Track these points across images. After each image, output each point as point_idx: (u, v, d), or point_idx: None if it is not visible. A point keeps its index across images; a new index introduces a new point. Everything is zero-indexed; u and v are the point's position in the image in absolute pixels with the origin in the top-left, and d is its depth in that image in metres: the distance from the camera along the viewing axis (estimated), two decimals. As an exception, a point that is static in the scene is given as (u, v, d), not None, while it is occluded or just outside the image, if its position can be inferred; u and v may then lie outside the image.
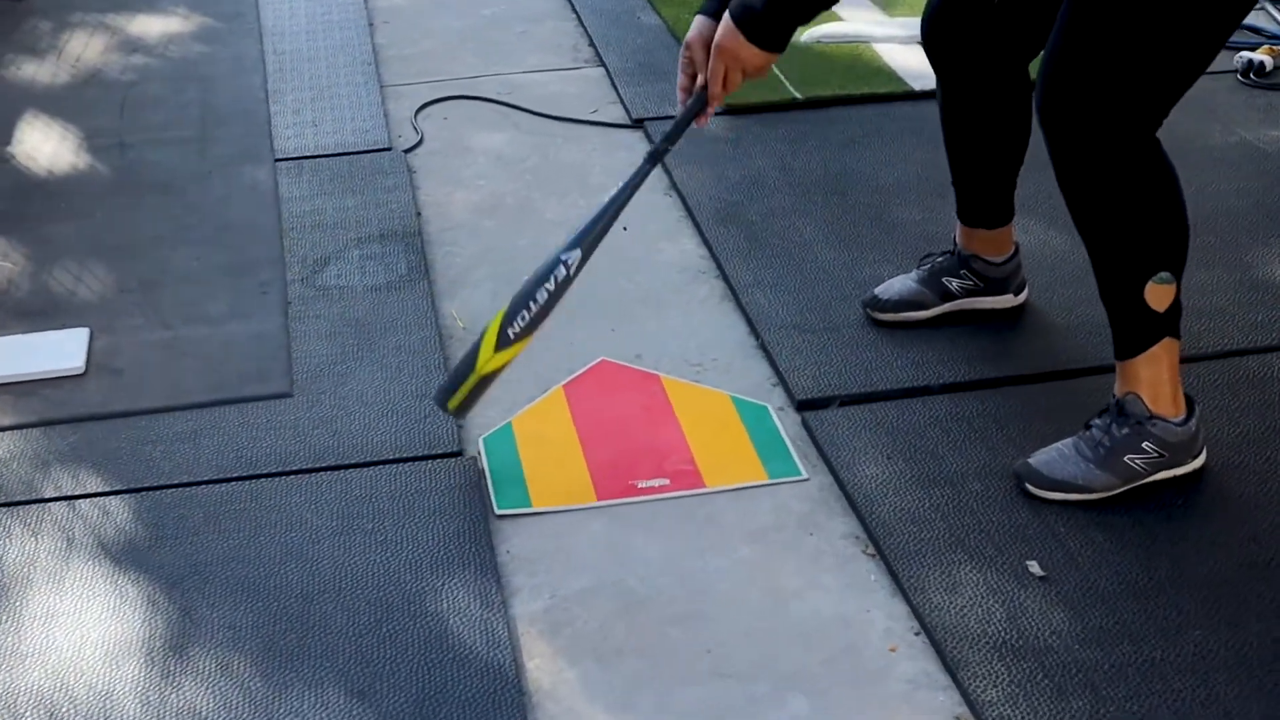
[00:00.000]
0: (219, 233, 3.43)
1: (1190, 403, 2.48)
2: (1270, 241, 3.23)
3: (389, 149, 3.81)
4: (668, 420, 2.73)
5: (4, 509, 2.54)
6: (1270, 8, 4.43)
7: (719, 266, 3.22)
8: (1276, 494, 2.47)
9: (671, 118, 3.82)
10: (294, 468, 2.62)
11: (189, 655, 2.22)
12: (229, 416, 2.76)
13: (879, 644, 2.23)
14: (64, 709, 2.13)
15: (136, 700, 2.14)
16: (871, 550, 2.41)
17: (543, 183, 3.65)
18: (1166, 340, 2.44)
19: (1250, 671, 2.12)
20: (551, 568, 2.40)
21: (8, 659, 2.23)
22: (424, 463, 2.61)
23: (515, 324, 2.51)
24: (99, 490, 2.58)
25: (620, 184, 2.54)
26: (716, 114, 3.88)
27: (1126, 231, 2.38)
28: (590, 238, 2.52)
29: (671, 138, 2.54)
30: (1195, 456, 2.49)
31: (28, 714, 2.13)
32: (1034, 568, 2.32)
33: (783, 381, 2.82)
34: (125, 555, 2.43)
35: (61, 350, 2.95)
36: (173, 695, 2.15)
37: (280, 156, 3.78)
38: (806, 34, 4.31)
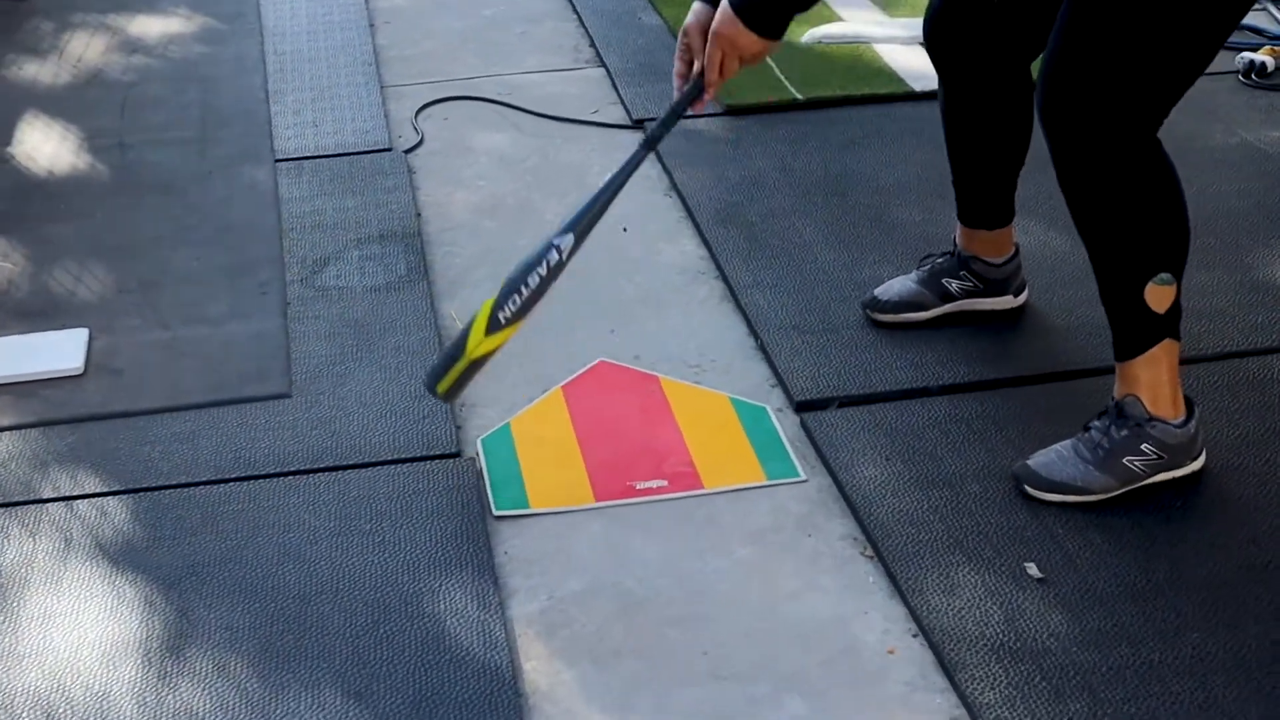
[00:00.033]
0: (219, 233, 3.43)
1: (1190, 405, 2.48)
2: (1271, 243, 3.23)
3: (389, 149, 3.81)
4: (666, 421, 2.73)
5: (2, 510, 2.54)
6: (1271, 8, 4.43)
7: (718, 267, 3.21)
8: (1276, 496, 2.47)
9: (672, 118, 3.89)
10: (292, 468, 2.61)
11: (186, 656, 2.22)
12: (227, 417, 2.76)
13: (877, 645, 2.23)
14: (61, 710, 2.13)
15: (133, 701, 2.14)
16: (869, 552, 2.40)
17: (543, 183, 3.65)
18: (1166, 342, 2.44)
19: (1248, 674, 2.12)
20: (549, 569, 2.40)
21: (5, 660, 2.23)
22: (422, 464, 2.61)
23: (506, 308, 2.48)
24: (97, 491, 2.58)
25: (615, 170, 2.52)
26: (717, 115, 3.91)
27: (1127, 232, 2.38)
28: (584, 223, 2.50)
29: (667, 124, 2.53)
30: (1194, 458, 2.49)
31: (25, 715, 2.13)
32: (1032, 570, 2.32)
33: (781, 383, 2.82)
34: (123, 556, 2.43)
35: (60, 351, 2.95)
36: (169, 696, 2.15)
37: (280, 157, 3.78)
38: (807, 35, 4.30)
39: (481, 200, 3.58)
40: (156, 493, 2.57)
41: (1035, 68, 2.50)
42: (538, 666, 2.21)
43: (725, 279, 3.16)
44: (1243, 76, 3.98)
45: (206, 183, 3.68)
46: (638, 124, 3.89)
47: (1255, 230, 3.28)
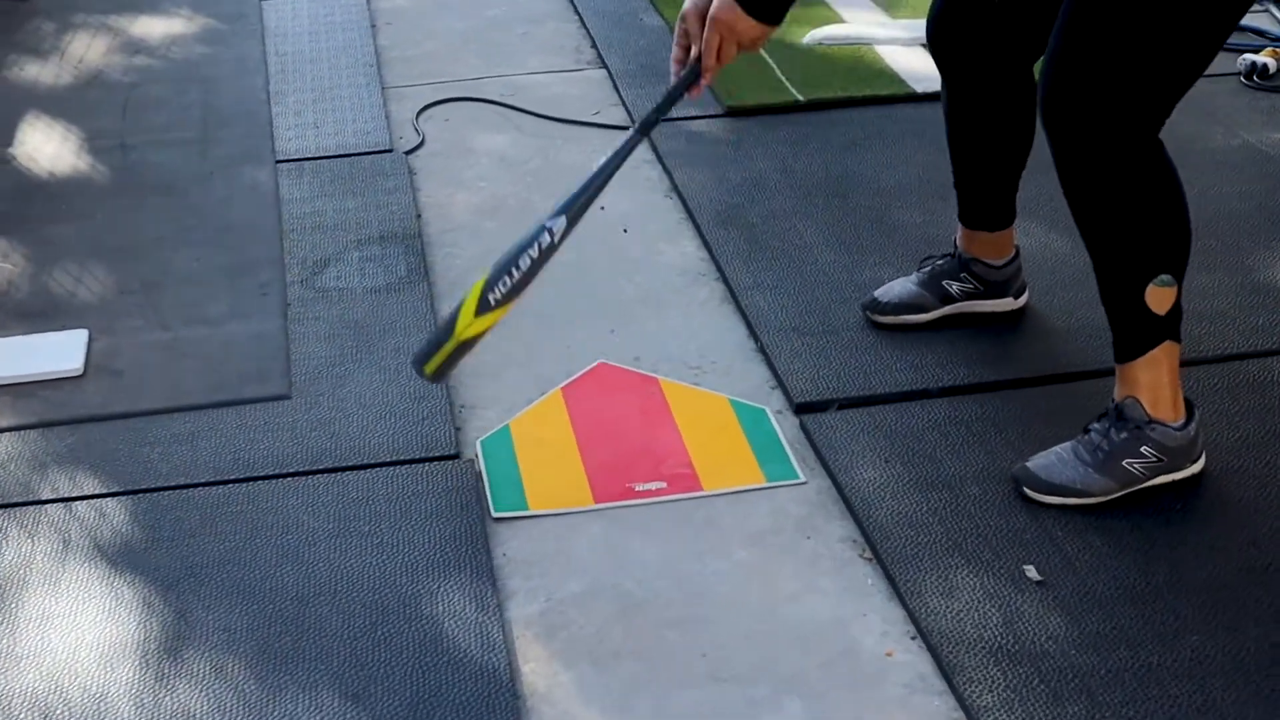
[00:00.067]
0: (219, 234, 3.43)
1: (1190, 407, 2.47)
2: (1272, 245, 3.22)
3: (390, 150, 3.81)
4: (666, 423, 2.73)
5: (1, 511, 2.54)
6: (1274, 9, 4.42)
7: (719, 268, 3.21)
8: (1276, 498, 2.47)
9: (673, 120, 3.88)
10: (291, 470, 2.61)
11: (183, 658, 2.22)
12: (227, 418, 2.76)
13: (875, 648, 2.22)
14: (58, 711, 2.13)
15: (130, 703, 2.14)
16: (868, 554, 2.40)
17: (544, 184, 3.65)
18: (1167, 344, 2.43)
19: (1247, 677, 2.11)
20: (548, 571, 2.40)
21: (2, 661, 2.23)
22: (421, 465, 2.61)
23: (496, 289, 2.46)
24: (96, 492, 2.57)
25: (609, 153, 2.50)
26: (718, 116, 3.91)
27: (1128, 232, 2.37)
28: (577, 206, 2.48)
29: (662, 108, 2.51)
30: (1194, 461, 2.48)
31: (22, 716, 2.13)
32: (1031, 572, 2.32)
33: (781, 384, 2.82)
34: (121, 557, 2.43)
35: (60, 351, 2.95)
36: (167, 698, 2.15)
37: (281, 158, 3.78)
38: (808, 36, 4.30)
39: (482, 201, 3.57)
40: (155, 494, 2.57)
41: (1039, 68, 2.50)
42: (536, 668, 2.21)
43: (725, 280, 3.16)
44: (1244, 78, 3.98)
45: (207, 184, 3.68)
46: (639, 125, 3.88)
47: (1256, 232, 3.27)
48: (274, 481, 2.59)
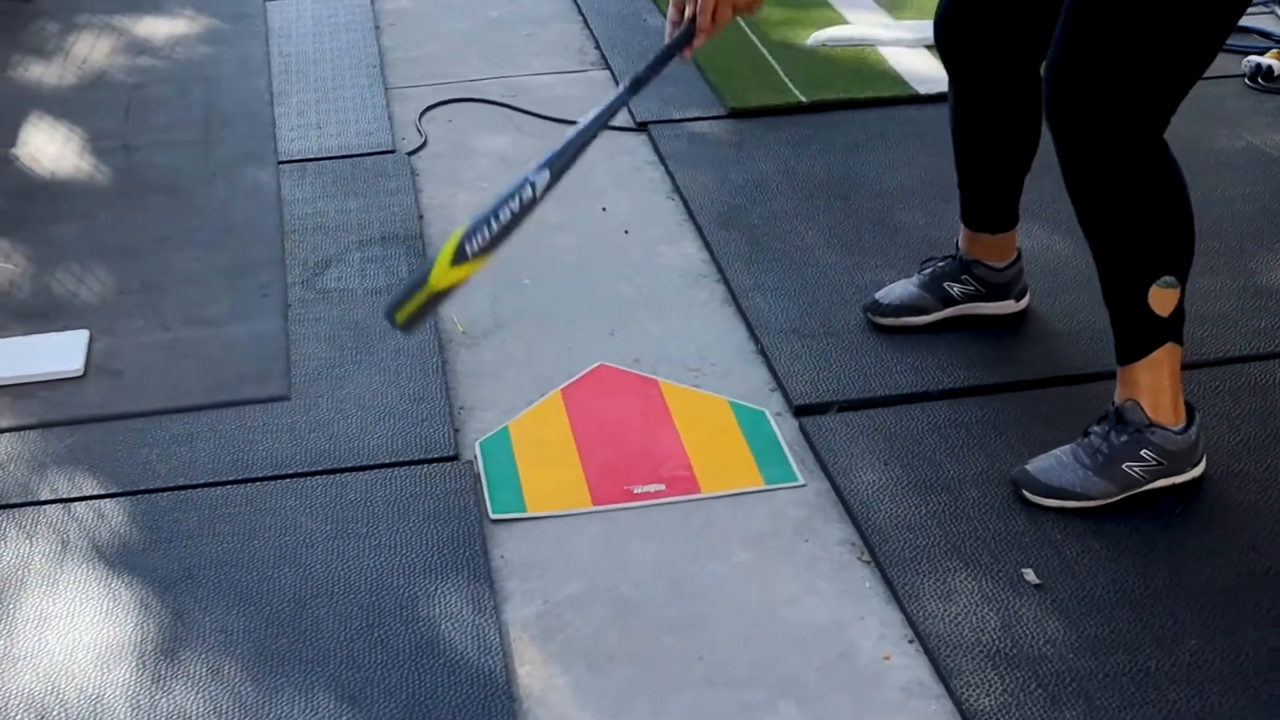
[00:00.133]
0: (221, 235, 3.43)
1: (1190, 411, 2.47)
2: (1275, 248, 3.21)
3: (392, 151, 3.81)
4: (665, 425, 2.72)
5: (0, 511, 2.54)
6: (1279, 11, 4.41)
7: (720, 270, 3.21)
8: (1276, 502, 2.46)
9: (675, 120, 3.88)
10: (289, 471, 2.61)
11: (180, 659, 2.22)
12: (226, 419, 2.75)
13: (873, 651, 2.22)
14: (55, 712, 2.13)
15: (127, 704, 2.14)
16: (867, 557, 2.40)
17: (545, 186, 3.64)
18: (1169, 345, 2.43)
19: (1246, 681, 2.11)
20: (545, 573, 2.39)
21: (0, 662, 2.22)
22: (419, 467, 2.61)
23: (475, 240, 2.38)
24: (95, 493, 2.57)
25: (597, 108, 2.45)
26: (720, 117, 3.90)
27: (1132, 233, 2.37)
28: (562, 162, 2.43)
29: (655, 67, 2.46)
30: (1195, 465, 2.48)
31: (19, 717, 2.13)
32: (1030, 576, 2.31)
33: (781, 386, 2.81)
34: (119, 558, 2.42)
35: (61, 352, 2.95)
36: (163, 699, 2.15)
37: (284, 159, 3.78)
38: (812, 37, 4.29)
39: (484, 202, 3.55)
40: (154, 495, 2.57)
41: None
42: (532, 671, 2.20)
43: (726, 282, 3.16)
44: (1249, 80, 3.96)
45: (210, 184, 3.68)
46: (641, 126, 3.88)
47: (1259, 234, 3.26)
48: (272, 483, 2.59)
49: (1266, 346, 2.86)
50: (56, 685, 2.18)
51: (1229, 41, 2.34)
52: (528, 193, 2.40)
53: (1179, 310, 2.42)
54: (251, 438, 2.70)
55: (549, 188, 2.42)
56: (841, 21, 4.41)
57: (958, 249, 2.93)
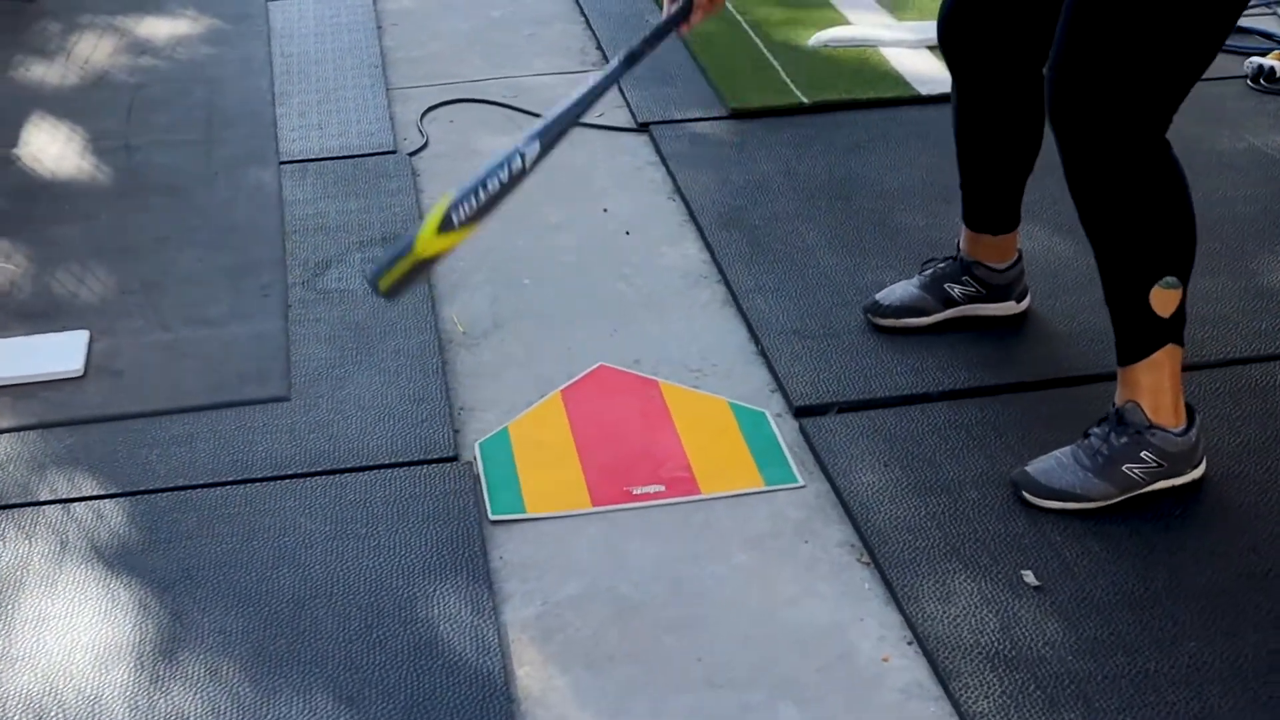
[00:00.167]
0: (222, 235, 3.43)
1: (1191, 412, 2.46)
2: (1276, 249, 3.21)
3: (394, 152, 3.81)
4: (665, 426, 2.72)
5: (-1, 511, 2.55)
6: (1282, 13, 4.41)
7: (720, 271, 3.20)
8: (1277, 504, 2.45)
9: (677, 121, 3.88)
10: (289, 472, 2.61)
11: (178, 660, 2.22)
12: (226, 420, 2.75)
13: (872, 653, 2.22)
14: (53, 712, 2.13)
15: (125, 705, 2.14)
16: (866, 559, 2.39)
17: (546, 186, 3.62)
18: (1169, 347, 2.42)
19: (1245, 684, 2.10)
20: (545, 574, 2.39)
21: (-2, 662, 2.23)
22: (419, 468, 2.61)
23: (462, 209, 2.36)
24: (94, 494, 2.57)
25: (592, 81, 2.42)
26: (722, 118, 3.90)
27: (1134, 232, 2.36)
28: (552, 134, 2.41)
29: (651, 41, 2.45)
30: (1195, 466, 2.47)
31: (17, 717, 2.13)
32: (1029, 577, 2.31)
33: (781, 388, 2.81)
34: (118, 559, 2.42)
35: (61, 352, 2.95)
36: (161, 700, 2.14)
37: (285, 159, 3.78)
38: (814, 38, 4.29)
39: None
40: (153, 496, 2.57)
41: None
42: (531, 672, 2.20)
43: (727, 283, 3.15)
44: (1251, 81, 3.96)
45: (211, 184, 3.68)
46: (643, 127, 3.88)
47: (1261, 236, 3.26)
48: (272, 484, 2.59)
49: (1267, 348, 2.86)
50: (54, 686, 2.18)
51: (1231, 43, 2.34)
52: (517, 163, 2.37)
53: (1180, 311, 2.41)
54: (251, 438, 2.70)
55: (539, 159, 2.39)
56: (843, 22, 4.41)
57: (959, 250, 2.93)
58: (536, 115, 3.99)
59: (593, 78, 2.42)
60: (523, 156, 2.38)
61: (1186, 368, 2.48)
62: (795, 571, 2.38)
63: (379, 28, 4.66)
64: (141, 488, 2.59)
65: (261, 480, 2.59)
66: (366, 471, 2.61)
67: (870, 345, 2.89)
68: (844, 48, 4.27)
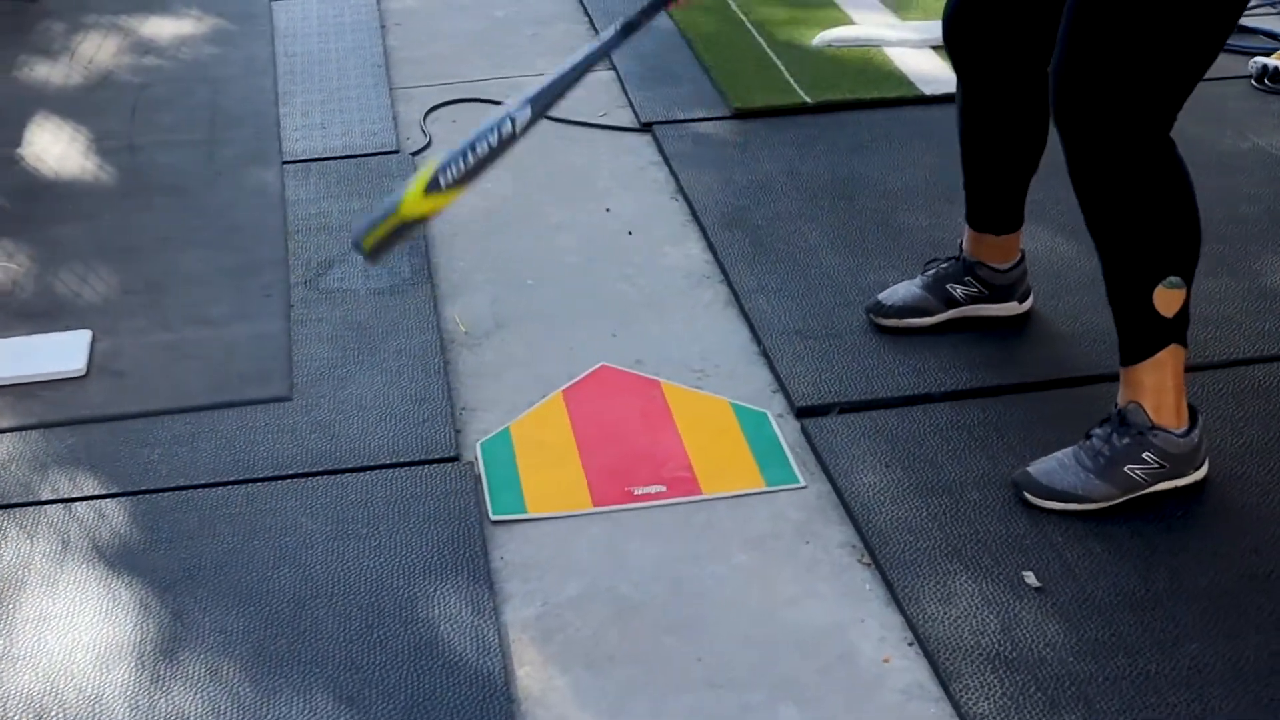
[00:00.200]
0: (225, 235, 3.43)
1: (1193, 414, 2.46)
2: (1280, 249, 3.21)
3: (397, 152, 3.81)
4: (666, 426, 2.72)
5: (0, 511, 2.54)
6: (1286, 13, 4.40)
7: (723, 271, 3.20)
8: (1279, 505, 2.45)
9: (680, 121, 3.88)
10: (290, 472, 2.61)
11: (179, 660, 2.22)
12: (227, 420, 2.75)
13: (873, 654, 2.21)
14: (53, 712, 2.13)
15: (125, 704, 2.14)
16: (867, 559, 2.39)
17: (549, 186, 3.64)
18: (1172, 347, 2.42)
19: (1246, 685, 2.10)
20: (545, 574, 2.39)
21: (-1, 661, 2.23)
22: (420, 468, 2.61)
23: (450, 171, 2.33)
24: (95, 493, 2.57)
25: (587, 49, 2.39)
26: (725, 118, 3.89)
27: (1138, 232, 2.36)
28: (545, 100, 2.38)
29: (649, 12, 2.42)
30: (1197, 468, 2.47)
31: (17, 717, 2.13)
32: (1030, 578, 2.30)
33: (783, 388, 2.80)
34: (119, 559, 2.42)
35: (63, 352, 2.95)
36: (161, 700, 2.14)
37: (288, 159, 3.78)
38: (817, 38, 4.29)
39: (487, 203, 3.56)
40: (155, 495, 2.57)
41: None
42: (531, 672, 2.20)
43: (729, 283, 3.15)
44: (1255, 81, 3.95)
45: (214, 184, 3.68)
46: (645, 127, 3.88)
47: (1264, 236, 3.25)
48: (273, 483, 2.59)
49: (1271, 349, 2.85)
50: (55, 685, 2.18)
51: (1234, 43, 2.34)
52: (507, 127, 2.34)
53: (1184, 312, 2.41)
54: (253, 438, 2.70)
55: (530, 125, 2.36)
56: (847, 22, 4.40)
57: (961, 250, 2.93)
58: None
59: (589, 45, 2.40)
60: (513, 121, 2.35)
61: (1189, 368, 2.48)
62: (796, 572, 2.38)
63: (382, 28, 4.67)
64: (143, 487, 2.59)
65: (263, 480, 2.59)
66: (368, 471, 2.61)
67: (872, 345, 2.89)
68: (848, 47, 4.26)
